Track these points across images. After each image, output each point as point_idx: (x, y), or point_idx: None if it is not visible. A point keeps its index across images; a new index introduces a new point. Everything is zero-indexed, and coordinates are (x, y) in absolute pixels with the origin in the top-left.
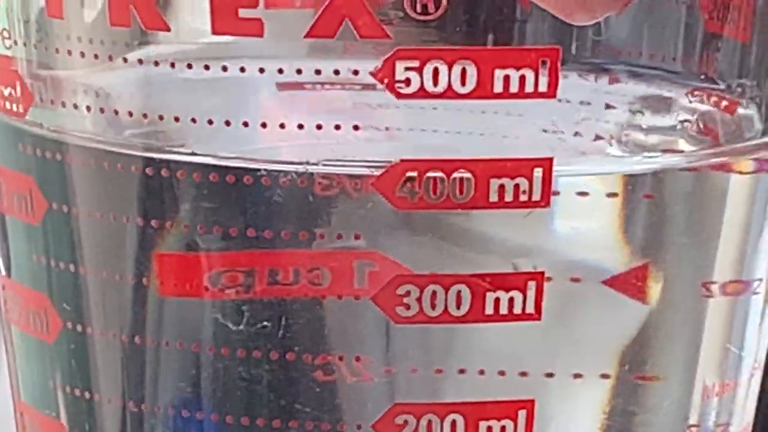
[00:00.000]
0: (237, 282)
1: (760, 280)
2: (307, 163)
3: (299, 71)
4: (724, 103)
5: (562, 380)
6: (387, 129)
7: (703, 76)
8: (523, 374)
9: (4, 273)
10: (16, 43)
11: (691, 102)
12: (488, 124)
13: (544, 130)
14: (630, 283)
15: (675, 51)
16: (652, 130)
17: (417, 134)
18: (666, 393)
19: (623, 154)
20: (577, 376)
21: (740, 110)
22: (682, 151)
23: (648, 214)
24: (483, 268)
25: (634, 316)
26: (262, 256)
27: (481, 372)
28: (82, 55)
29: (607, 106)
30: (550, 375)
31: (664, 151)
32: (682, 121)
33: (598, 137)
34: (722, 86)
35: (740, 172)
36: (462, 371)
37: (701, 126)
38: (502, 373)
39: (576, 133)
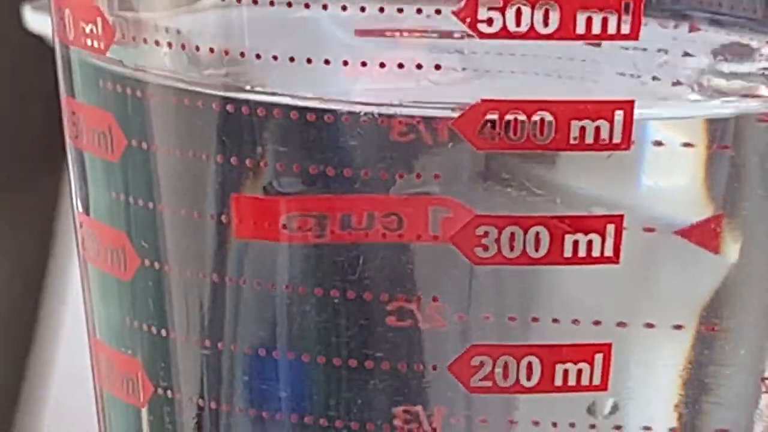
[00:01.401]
0: (312, 225)
1: None
2: (389, 104)
3: (381, 10)
4: None
5: (635, 330)
6: (467, 71)
7: None
8: (597, 323)
9: (82, 210)
10: None
11: None
12: (567, 68)
13: (624, 74)
14: (703, 234)
15: (756, 2)
16: (732, 76)
17: (497, 76)
18: (740, 345)
19: (703, 99)
20: (650, 326)
21: None
22: (762, 96)
23: (724, 165)
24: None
25: (707, 267)
26: (337, 200)
27: (555, 320)
28: None
29: (686, 54)
30: (622, 324)
31: (744, 96)
32: (763, 68)
33: (678, 82)
34: None
35: None
36: (535, 319)
37: None
38: (575, 321)
39: (656, 78)
